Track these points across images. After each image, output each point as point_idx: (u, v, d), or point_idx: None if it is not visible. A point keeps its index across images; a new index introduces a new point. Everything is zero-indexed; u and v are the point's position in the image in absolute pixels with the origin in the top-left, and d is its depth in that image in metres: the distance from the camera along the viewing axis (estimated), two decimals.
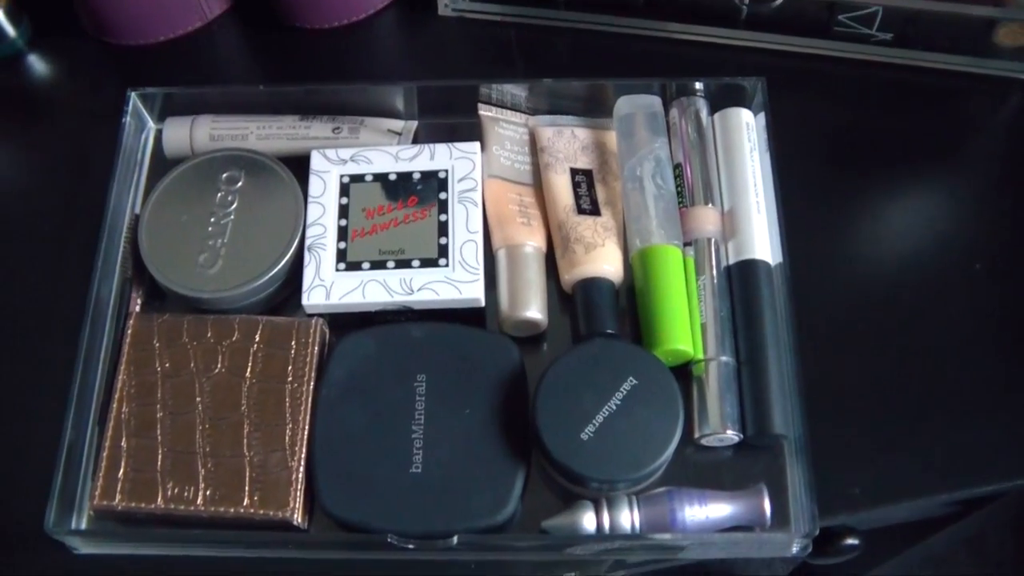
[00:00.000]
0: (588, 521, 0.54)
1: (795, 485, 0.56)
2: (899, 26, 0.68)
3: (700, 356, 0.58)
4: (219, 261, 0.60)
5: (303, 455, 0.56)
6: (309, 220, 0.61)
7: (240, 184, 0.63)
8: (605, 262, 0.60)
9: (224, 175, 0.63)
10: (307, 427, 0.57)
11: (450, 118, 0.66)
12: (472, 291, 0.59)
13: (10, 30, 0.72)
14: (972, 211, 0.66)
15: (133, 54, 0.74)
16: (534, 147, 0.65)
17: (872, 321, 0.62)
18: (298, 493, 0.55)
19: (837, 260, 0.64)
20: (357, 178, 0.62)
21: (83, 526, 0.57)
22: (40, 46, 0.75)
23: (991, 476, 0.58)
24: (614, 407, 0.54)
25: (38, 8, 0.75)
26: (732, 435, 0.56)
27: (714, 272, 0.60)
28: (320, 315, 0.60)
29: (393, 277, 0.59)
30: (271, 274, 0.60)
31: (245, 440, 0.56)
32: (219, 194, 0.62)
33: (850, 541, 0.64)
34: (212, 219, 0.61)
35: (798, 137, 0.66)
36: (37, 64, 0.74)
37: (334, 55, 0.73)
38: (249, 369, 0.58)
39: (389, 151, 0.63)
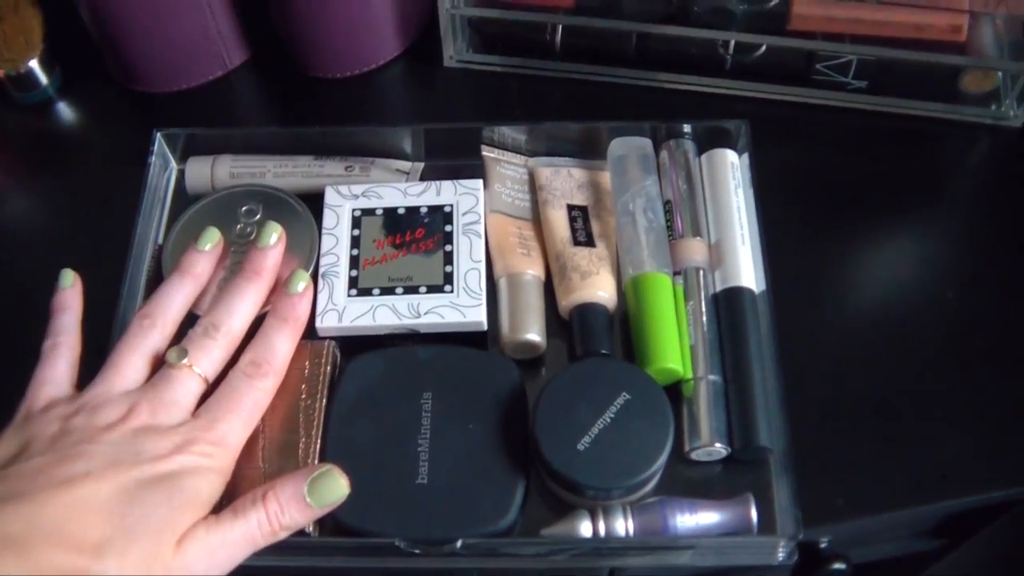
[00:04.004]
0: (585, 528, 0.57)
1: (780, 496, 0.58)
2: (873, 74, 0.73)
3: (689, 375, 0.61)
4: None
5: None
6: (323, 250, 0.65)
7: (258, 216, 0.67)
8: (600, 288, 0.63)
9: (243, 208, 0.67)
10: (319, 441, 0.59)
11: (454, 160, 0.70)
12: (475, 315, 0.62)
13: (43, 78, 0.77)
14: (943, 245, 0.70)
15: (157, 101, 0.78)
16: (533, 185, 0.69)
17: (851, 343, 0.66)
18: None
19: (817, 288, 0.68)
20: (368, 211, 0.66)
21: None
22: (70, 93, 0.79)
23: (970, 488, 0.61)
24: (608, 420, 0.57)
25: (69, 57, 0.79)
26: (720, 448, 0.59)
27: (702, 299, 0.63)
28: (332, 338, 0.63)
29: (401, 302, 0.63)
30: None
31: (260, 453, 0.59)
32: (238, 226, 0.66)
33: (838, 566, 0.67)
34: (232, 248, 0.65)
35: (780, 178, 0.70)
36: (66, 110, 0.79)
37: (346, 103, 0.78)
38: None
39: (398, 187, 0.67)
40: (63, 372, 0.58)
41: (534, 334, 0.62)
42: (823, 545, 0.67)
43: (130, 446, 0.53)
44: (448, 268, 0.64)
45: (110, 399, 0.55)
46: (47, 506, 0.49)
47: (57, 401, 0.56)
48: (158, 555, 0.50)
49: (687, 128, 0.69)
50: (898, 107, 0.74)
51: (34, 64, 0.76)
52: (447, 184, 0.67)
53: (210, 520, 0.53)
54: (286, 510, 0.54)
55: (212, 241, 0.63)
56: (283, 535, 0.54)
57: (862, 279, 0.68)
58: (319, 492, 0.54)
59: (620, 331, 0.64)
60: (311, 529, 0.58)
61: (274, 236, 0.62)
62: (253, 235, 0.66)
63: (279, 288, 0.62)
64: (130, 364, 0.57)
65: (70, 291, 0.61)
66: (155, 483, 0.51)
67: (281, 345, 0.59)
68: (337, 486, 0.55)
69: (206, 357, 0.58)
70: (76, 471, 0.51)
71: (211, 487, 0.54)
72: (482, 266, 0.64)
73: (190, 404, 0.56)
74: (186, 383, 0.57)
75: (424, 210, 0.66)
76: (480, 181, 0.67)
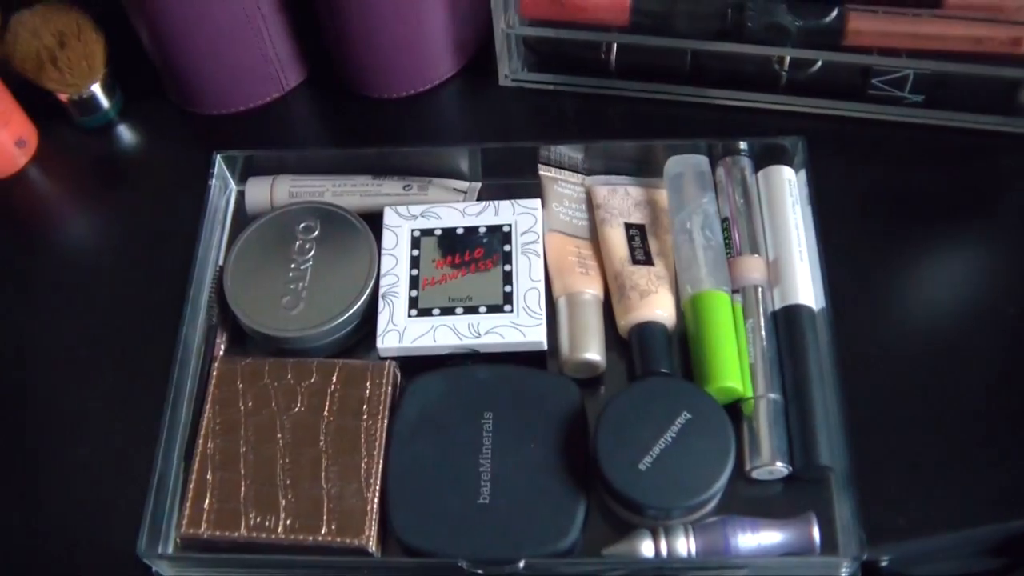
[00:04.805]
0: (647, 548, 0.57)
1: (842, 515, 0.58)
2: (930, 88, 0.72)
3: (749, 394, 0.61)
4: (301, 303, 0.65)
5: (377, 487, 0.59)
6: (383, 270, 0.65)
7: (316, 233, 0.67)
8: (659, 307, 0.64)
9: (301, 225, 0.68)
10: (381, 461, 0.60)
11: (511, 179, 0.71)
12: (535, 334, 0.63)
13: (104, 101, 0.78)
14: (1004, 260, 0.69)
15: (216, 122, 0.80)
16: (590, 204, 0.70)
17: (911, 360, 0.65)
18: (373, 522, 0.58)
19: (878, 305, 0.67)
20: (427, 232, 0.67)
21: (170, 552, 0.61)
22: (130, 116, 0.81)
23: None
24: (670, 439, 0.57)
25: (129, 80, 0.81)
26: (781, 467, 0.59)
27: (761, 316, 0.63)
28: (392, 358, 0.64)
29: (462, 322, 0.63)
30: (349, 314, 0.64)
31: (323, 473, 0.60)
32: (297, 243, 0.67)
33: None
34: (292, 265, 0.66)
35: (837, 194, 0.70)
36: (127, 133, 0.80)
37: (402, 122, 0.78)
38: (327, 408, 0.62)
39: (456, 207, 0.68)
40: None
41: (594, 353, 0.63)
42: (883, 564, 0.66)
43: None
44: (507, 288, 0.64)
45: None
46: None
47: None
48: None
49: (743, 145, 0.69)
50: (956, 121, 0.73)
51: (96, 88, 0.77)
52: (505, 204, 0.67)
53: None
54: None
55: None
56: None
57: (922, 295, 0.68)
58: None
59: (679, 350, 0.64)
60: (374, 549, 0.58)
61: None
62: (312, 252, 0.67)
63: None
64: None
65: None
66: None
67: None
68: None
69: None
70: None
71: None
72: (541, 285, 0.64)
73: None
74: None
75: (483, 230, 0.67)
76: (538, 200, 0.68)
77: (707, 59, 0.75)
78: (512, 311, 0.63)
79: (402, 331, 0.63)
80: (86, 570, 0.62)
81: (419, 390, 0.62)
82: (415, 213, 0.67)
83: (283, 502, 0.59)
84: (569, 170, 0.71)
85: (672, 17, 0.73)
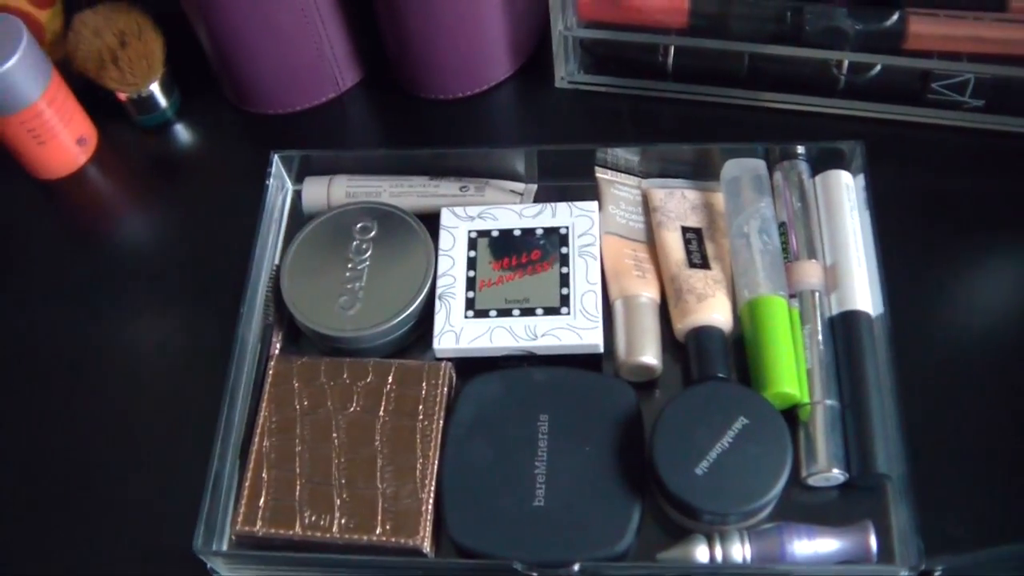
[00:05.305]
0: (701, 554, 0.57)
1: (900, 523, 0.58)
2: (990, 93, 0.72)
3: (806, 400, 0.61)
4: (357, 303, 0.65)
5: (432, 487, 0.60)
6: (440, 271, 0.66)
7: (373, 233, 0.68)
8: (716, 311, 0.63)
9: (358, 225, 0.68)
10: (436, 462, 0.60)
11: (567, 181, 0.71)
12: (592, 337, 0.63)
13: (162, 101, 0.79)
14: None
15: (272, 122, 0.80)
16: (647, 207, 0.69)
17: (971, 368, 0.64)
18: (428, 523, 0.59)
19: (936, 312, 0.67)
20: (484, 233, 0.67)
21: (225, 549, 0.61)
22: (187, 115, 0.82)
23: None
24: (726, 444, 0.57)
25: (187, 80, 0.81)
26: (838, 474, 0.59)
27: (818, 322, 0.63)
28: (448, 359, 0.64)
29: (518, 324, 0.63)
30: (406, 314, 0.64)
31: (378, 473, 0.60)
32: (354, 243, 0.67)
33: None
34: (349, 265, 0.66)
35: (895, 199, 0.69)
36: (184, 132, 0.81)
37: (457, 124, 0.78)
38: (382, 408, 0.62)
39: (514, 209, 0.68)
40: None
41: (650, 357, 0.63)
42: (937, 573, 0.66)
43: None
44: (564, 290, 0.64)
45: None
46: None
47: None
48: None
49: (801, 149, 0.69)
50: (1017, 126, 0.73)
51: (155, 87, 0.78)
52: (562, 206, 0.67)
53: None
54: None
55: None
56: None
57: (981, 301, 0.67)
58: None
59: (736, 354, 0.64)
60: (429, 550, 0.58)
61: None
62: (369, 252, 0.67)
63: None
64: None
65: None
66: None
67: None
68: None
69: None
70: None
71: None
72: (598, 288, 0.64)
73: None
74: None
75: (540, 232, 0.67)
76: (595, 203, 0.68)
77: (765, 62, 0.75)
78: (569, 313, 0.63)
79: (459, 332, 0.63)
80: (143, 566, 0.62)
81: (475, 391, 0.62)
82: (472, 214, 0.68)
83: (338, 501, 0.60)
84: (626, 172, 0.71)
85: (730, 20, 0.73)
